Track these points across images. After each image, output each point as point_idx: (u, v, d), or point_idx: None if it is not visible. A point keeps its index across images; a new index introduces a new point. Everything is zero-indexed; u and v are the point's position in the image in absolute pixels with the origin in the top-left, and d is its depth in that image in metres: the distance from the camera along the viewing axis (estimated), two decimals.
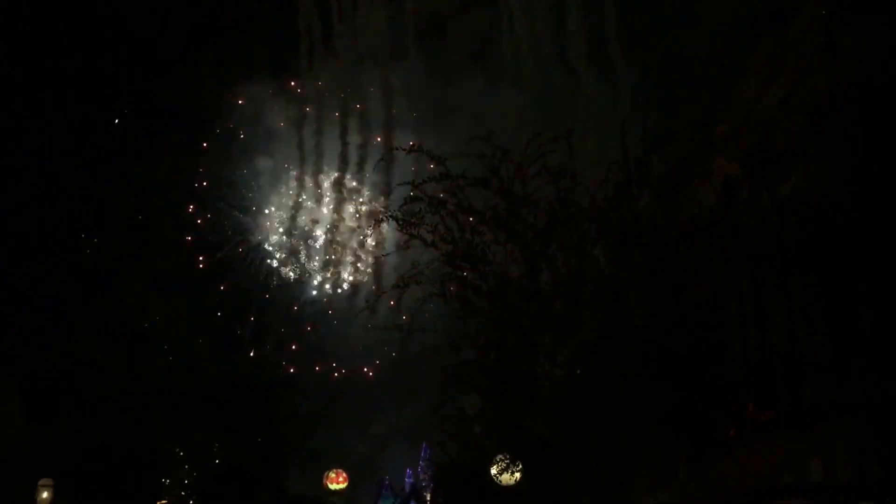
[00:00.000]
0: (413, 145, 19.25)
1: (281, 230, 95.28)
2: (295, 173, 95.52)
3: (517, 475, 25.67)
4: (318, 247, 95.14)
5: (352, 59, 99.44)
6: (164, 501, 56.19)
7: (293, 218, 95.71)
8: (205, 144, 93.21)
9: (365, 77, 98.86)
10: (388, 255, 70.05)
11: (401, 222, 18.13)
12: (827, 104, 17.13)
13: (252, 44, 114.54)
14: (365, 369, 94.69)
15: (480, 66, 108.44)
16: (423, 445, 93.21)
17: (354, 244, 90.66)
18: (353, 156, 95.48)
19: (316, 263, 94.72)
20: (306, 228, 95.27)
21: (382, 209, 70.46)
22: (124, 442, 48.22)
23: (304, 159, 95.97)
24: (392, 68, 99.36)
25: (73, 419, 47.33)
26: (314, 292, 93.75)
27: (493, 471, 26.37)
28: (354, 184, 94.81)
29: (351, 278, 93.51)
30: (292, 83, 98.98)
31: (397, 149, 19.72)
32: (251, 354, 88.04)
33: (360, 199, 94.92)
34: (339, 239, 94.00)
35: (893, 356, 15.15)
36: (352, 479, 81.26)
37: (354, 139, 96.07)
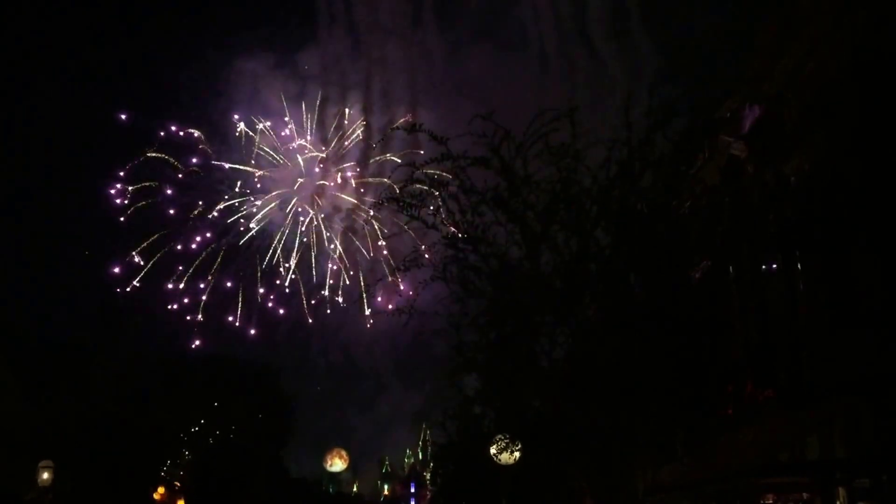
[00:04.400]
0: (414, 124, 19.08)
1: (286, 210, 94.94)
2: (297, 150, 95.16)
3: (516, 454, 25.84)
4: (321, 228, 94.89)
5: (360, 33, 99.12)
6: (162, 489, 56.30)
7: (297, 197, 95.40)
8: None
9: (372, 52, 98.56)
10: (388, 237, 70.07)
11: (401, 204, 18.11)
12: (836, 80, 17.06)
13: (254, 15, 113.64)
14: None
15: (489, 41, 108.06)
16: (424, 426, 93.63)
17: (358, 226, 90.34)
18: (357, 134, 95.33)
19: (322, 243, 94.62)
20: (312, 212, 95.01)
21: (385, 190, 69.86)
22: (124, 423, 48.32)
23: (307, 137, 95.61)
24: (399, 43, 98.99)
25: (73, 400, 47.39)
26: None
27: (493, 450, 26.53)
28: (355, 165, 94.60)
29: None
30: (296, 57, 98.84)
31: (398, 128, 19.56)
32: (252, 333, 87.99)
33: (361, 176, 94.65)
34: (347, 225, 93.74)
35: (891, 335, 15.25)
36: (353, 460, 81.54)
37: (356, 117, 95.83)
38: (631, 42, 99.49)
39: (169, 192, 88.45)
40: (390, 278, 20.13)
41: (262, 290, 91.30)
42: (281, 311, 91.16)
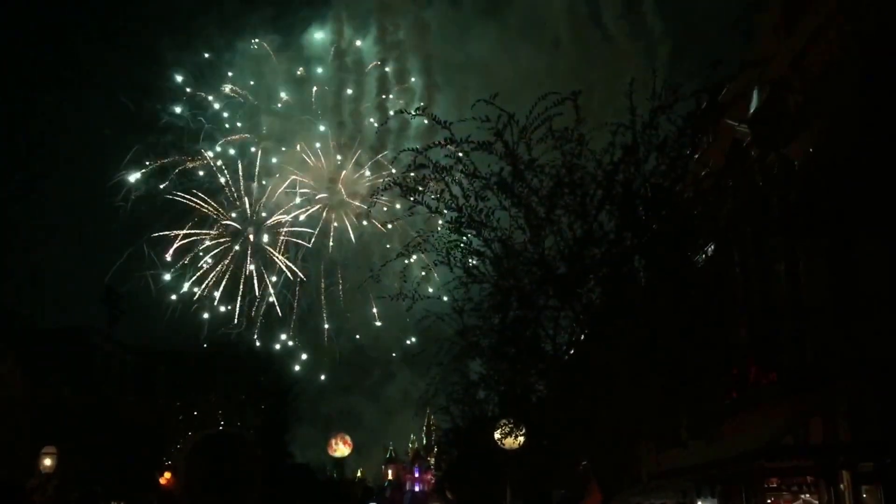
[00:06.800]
0: (418, 108, 19.06)
1: (294, 196, 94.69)
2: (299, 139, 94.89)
3: (520, 439, 25.87)
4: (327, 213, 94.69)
5: (368, 13, 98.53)
6: (168, 474, 56.27)
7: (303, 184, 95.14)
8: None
9: (376, 34, 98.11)
10: (391, 222, 70.00)
11: (404, 189, 18.08)
12: (840, 62, 16.99)
13: None
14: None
15: (497, 21, 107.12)
16: (428, 411, 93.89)
17: (363, 211, 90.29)
18: (362, 119, 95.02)
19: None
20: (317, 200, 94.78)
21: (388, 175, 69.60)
22: (127, 408, 48.41)
23: (310, 122, 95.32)
24: (403, 24, 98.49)
25: (76, 386, 47.44)
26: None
27: (497, 435, 26.56)
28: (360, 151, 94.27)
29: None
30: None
31: (402, 112, 19.49)
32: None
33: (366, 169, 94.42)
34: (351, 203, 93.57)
35: (894, 318, 15.23)
36: (357, 445, 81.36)
37: (362, 101, 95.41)
38: (641, 24, 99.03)
39: (174, 175, 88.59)
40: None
41: (273, 279, 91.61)
42: (290, 297, 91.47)
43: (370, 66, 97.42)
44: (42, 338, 49.77)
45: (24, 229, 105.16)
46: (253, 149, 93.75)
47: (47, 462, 34.23)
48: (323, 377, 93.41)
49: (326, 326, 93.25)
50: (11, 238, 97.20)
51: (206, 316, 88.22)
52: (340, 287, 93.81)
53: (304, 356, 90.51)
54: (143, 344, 59.04)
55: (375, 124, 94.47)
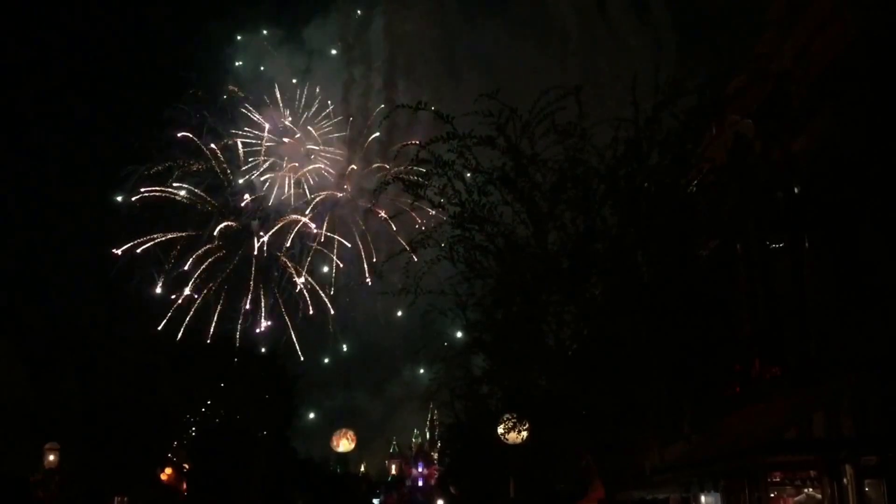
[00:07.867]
0: (419, 102, 18.94)
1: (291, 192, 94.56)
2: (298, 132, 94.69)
3: (524, 434, 25.88)
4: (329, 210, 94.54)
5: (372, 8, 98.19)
6: (169, 470, 56.29)
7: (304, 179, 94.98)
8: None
9: (376, 26, 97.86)
10: (395, 216, 69.98)
11: (407, 184, 18.05)
12: (845, 57, 16.95)
13: None
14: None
15: (502, 16, 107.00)
16: (431, 406, 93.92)
17: (366, 207, 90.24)
18: (363, 113, 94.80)
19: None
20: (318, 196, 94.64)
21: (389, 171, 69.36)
22: (130, 404, 48.41)
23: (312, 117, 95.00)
24: (405, 16, 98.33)
25: (79, 382, 47.46)
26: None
27: (500, 430, 26.57)
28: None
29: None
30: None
31: (402, 106, 19.35)
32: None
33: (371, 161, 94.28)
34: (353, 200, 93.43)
35: None
36: (361, 440, 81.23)
37: (363, 95, 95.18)
38: (648, 17, 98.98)
39: (177, 172, 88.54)
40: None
41: (276, 273, 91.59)
42: (294, 295, 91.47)
43: (377, 62, 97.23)
44: (44, 334, 49.76)
45: (26, 227, 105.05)
46: (256, 147, 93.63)
47: (51, 458, 34.30)
48: (326, 374, 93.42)
49: (331, 323, 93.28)
50: (13, 236, 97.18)
51: (208, 313, 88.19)
52: (345, 283, 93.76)
53: (304, 353, 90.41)
54: (146, 340, 59.05)
55: (373, 127, 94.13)
